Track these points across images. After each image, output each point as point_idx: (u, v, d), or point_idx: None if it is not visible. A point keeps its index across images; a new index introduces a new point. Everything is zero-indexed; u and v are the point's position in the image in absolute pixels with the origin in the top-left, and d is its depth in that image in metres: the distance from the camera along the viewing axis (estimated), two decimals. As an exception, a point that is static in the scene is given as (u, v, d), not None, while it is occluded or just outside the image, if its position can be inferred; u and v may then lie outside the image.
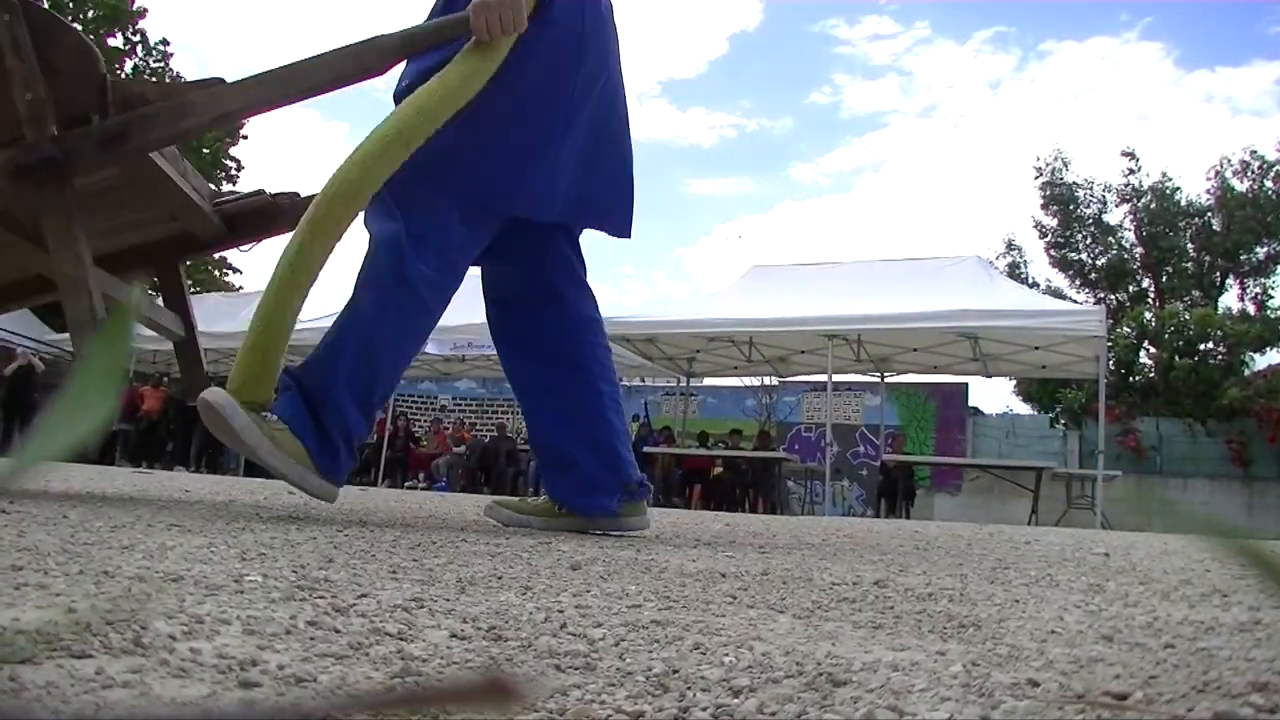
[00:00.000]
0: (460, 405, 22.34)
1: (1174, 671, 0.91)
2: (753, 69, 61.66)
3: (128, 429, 17.62)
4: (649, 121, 62.06)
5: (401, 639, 0.96)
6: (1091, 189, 26.74)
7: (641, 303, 70.21)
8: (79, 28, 17.01)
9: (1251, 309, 25.13)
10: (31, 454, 0.37)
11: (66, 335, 13.90)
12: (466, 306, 17.40)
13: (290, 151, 56.74)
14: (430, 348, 15.86)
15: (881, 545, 3.24)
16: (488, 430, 19.25)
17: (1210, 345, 21.75)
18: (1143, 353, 23.58)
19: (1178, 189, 26.16)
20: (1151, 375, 22.99)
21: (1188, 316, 22.28)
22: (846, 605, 1.42)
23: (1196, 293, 25.97)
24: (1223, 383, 20.07)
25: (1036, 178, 27.11)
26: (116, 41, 27.35)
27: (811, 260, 16.59)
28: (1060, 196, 26.63)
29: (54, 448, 0.37)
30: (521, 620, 1.11)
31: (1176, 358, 21.33)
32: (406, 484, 16.64)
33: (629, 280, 65.85)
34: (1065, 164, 26.82)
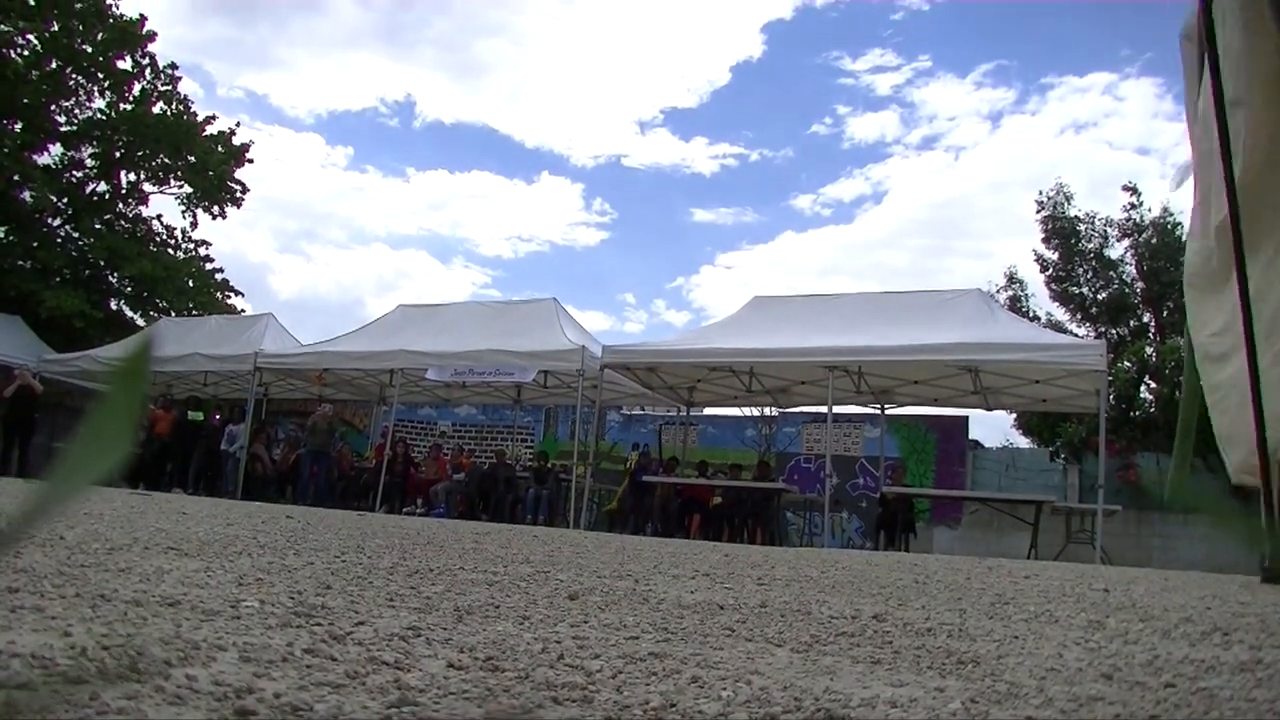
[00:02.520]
0: (460, 431, 22.31)
1: (1175, 711, 0.91)
2: (755, 99, 61.95)
3: (138, 451, 17.59)
4: (651, 150, 62.39)
5: (398, 668, 0.96)
6: (1093, 223, 26.79)
7: (642, 331, 70.10)
8: (89, 49, 16.82)
9: None
10: (54, 490, 0.37)
11: (67, 355, 13.92)
12: (467, 334, 17.25)
13: (294, 175, 57.00)
14: (431, 374, 15.88)
15: (880, 578, 3.23)
16: (487, 457, 19.21)
17: (1211, 381, 21.71)
18: (1143, 387, 23.55)
19: (1179, 224, 26.22)
20: (1152, 410, 22.95)
21: (1188, 352, 22.24)
22: (845, 639, 1.42)
23: (1197, 328, 25.95)
24: None
25: (1038, 211, 27.17)
26: (125, 64, 27.54)
27: (812, 291, 16.60)
28: (1061, 230, 26.69)
29: (75, 484, 0.37)
30: (519, 651, 1.10)
31: (1177, 393, 21.27)
32: (405, 509, 16.59)
33: (630, 309, 65.97)
34: (1067, 198, 26.90)
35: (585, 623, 1.41)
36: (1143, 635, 1.64)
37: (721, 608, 1.78)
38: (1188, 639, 1.61)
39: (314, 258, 63.03)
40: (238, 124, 30.62)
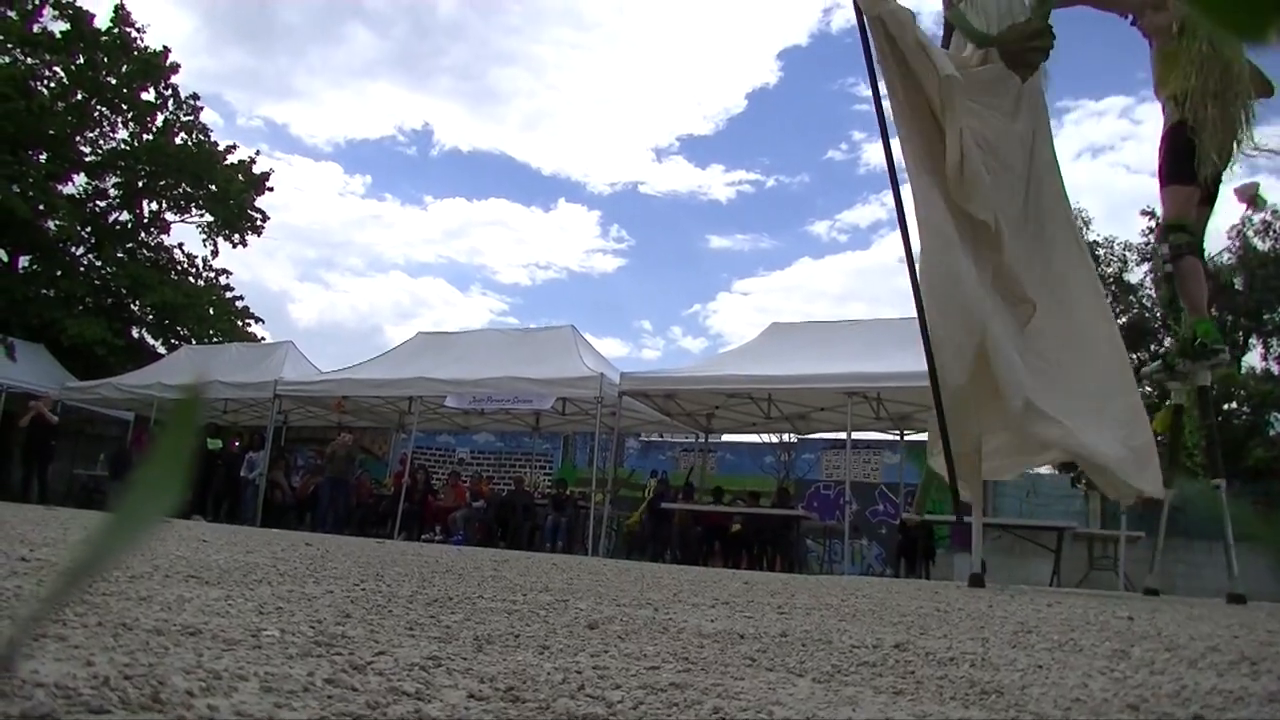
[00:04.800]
0: (478, 459, 22.33)
1: (1202, 744, 0.90)
2: (771, 126, 62.17)
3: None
4: (668, 177, 62.64)
5: (419, 699, 0.96)
6: (1112, 248, 26.73)
7: (659, 358, 70.05)
8: (113, 81, 17.09)
9: (1275, 369, 24.94)
10: (107, 541, 0.38)
11: (89, 383, 14.05)
12: (485, 361, 17.30)
13: (313, 203, 57.49)
14: (449, 401, 15.92)
15: (901, 606, 3.20)
16: (505, 484, 19.21)
17: (1234, 405, 21.56)
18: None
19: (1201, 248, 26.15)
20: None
21: (1211, 376, 22.09)
22: (867, 669, 1.40)
23: (1219, 352, 25.79)
24: (1247, 443, 19.85)
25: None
26: (149, 96, 27.91)
27: (830, 317, 16.58)
28: (1080, 255, 26.68)
29: (126, 533, 0.38)
30: (539, 681, 1.10)
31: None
32: (423, 537, 16.59)
33: (647, 335, 66.05)
34: (1086, 223, 26.85)
35: (605, 652, 1.40)
36: (1169, 665, 1.63)
37: (742, 637, 1.77)
38: (1215, 669, 1.59)
39: (333, 285, 63.45)
40: (257, 153, 31.02)
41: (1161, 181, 6.31)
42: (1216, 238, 27.43)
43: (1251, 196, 6.38)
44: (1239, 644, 2.10)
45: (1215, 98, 5.78)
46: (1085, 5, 6.38)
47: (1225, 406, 21.45)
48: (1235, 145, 5.95)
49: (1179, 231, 6.13)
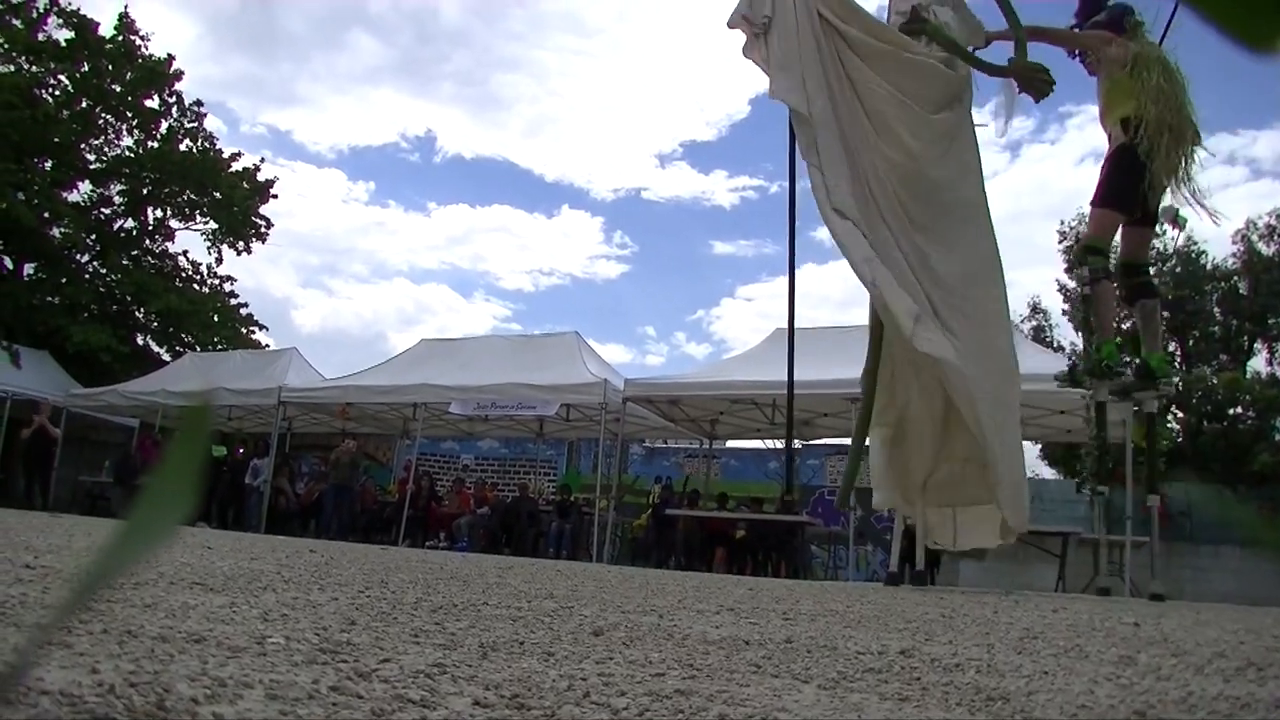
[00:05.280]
0: (482, 465, 22.33)
1: (1210, 750, 0.89)
2: (774, 131, 62.03)
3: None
4: (671, 183, 62.69)
5: (424, 706, 0.96)
6: (1116, 253, 26.75)
7: (663, 364, 69.95)
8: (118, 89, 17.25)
9: (1280, 373, 24.89)
10: (114, 557, 0.38)
11: (94, 390, 14.10)
12: (489, 367, 17.28)
13: (316, 210, 57.59)
14: (453, 408, 15.92)
15: (906, 613, 3.20)
16: (509, 490, 19.20)
17: (1239, 410, 21.52)
18: (1170, 417, 23.35)
19: (1203, 253, 26.09)
20: (1179, 440, 22.73)
21: (1215, 381, 22.07)
22: (872, 675, 1.40)
23: (1224, 357, 25.75)
24: (1253, 448, 19.80)
25: (1060, 241, 27.10)
26: (153, 103, 27.99)
27: (834, 323, 16.55)
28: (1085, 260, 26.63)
29: (134, 549, 0.38)
30: (544, 688, 1.10)
31: (1205, 422, 21.10)
32: (428, 543, 16.58)
33: (650, 341, 66.11)
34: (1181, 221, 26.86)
35: (610, 659, 1.40)
36: (1175, 671, 1.62)
37: (747, 643, 1.77)
38: (1222, 675, 1.58)
39: (336, 292, 63.56)
40: (261, 160, 31.10)
41: (1095, 200, 6.64)
42: (1221, 243, 27.36)
43: (1173, 218, 6.57)
44: (1245, 650, 2.09)
45: (1170, 129, 6.10)
46: (1045, 42, 6.69)
47: (1230, 411, 21.40)
48: (1177, 179, 6.26)
49: (1097, 255, 6.56)
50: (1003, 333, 6.22)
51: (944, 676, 1.42)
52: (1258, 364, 26.14)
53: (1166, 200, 6.43)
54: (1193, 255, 25.90)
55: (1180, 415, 23.03)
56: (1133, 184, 6.23)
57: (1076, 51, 6.76)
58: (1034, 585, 12.76)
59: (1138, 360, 6.86)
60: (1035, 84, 6.17)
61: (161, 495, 0.38)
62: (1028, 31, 6.44)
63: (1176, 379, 6.68)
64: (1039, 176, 48.80)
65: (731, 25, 6.14)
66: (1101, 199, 6.57)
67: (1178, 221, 6.51)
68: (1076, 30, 6.75)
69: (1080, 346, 26.51)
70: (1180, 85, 6.29)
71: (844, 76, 5.91)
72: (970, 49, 6.21)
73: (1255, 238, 25.84)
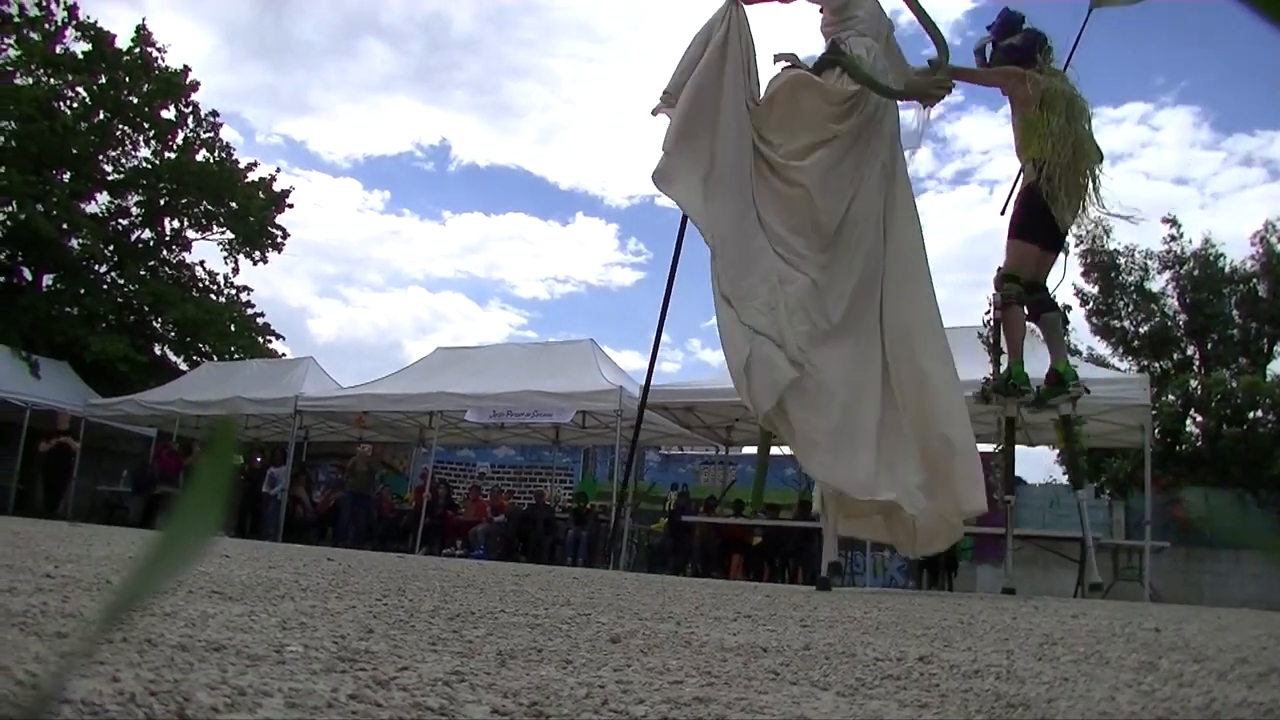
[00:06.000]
0: (499, 473, 22.34)
1: (1234, 757, 0.88)
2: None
3: (173, 493, 17.79)
4: (687, 190, 62.47)
5: (443, 714, 0.96)
6: (1133, 256, 26.49)
7: (679, 371, 69.81)
8: (135, 100, 17.41)
9: (1301, 376, 24.64)
10: (148, 574, 0.38)
11: (111, 400, 14.18)
12: (505, 375, 17.28)
13: (331, 219, 57.81)
14: (469, 416, 15.94)
15: (925, 619, 3.18)
16: (526, 498, 19.21)
17: (1259, 413, 21.35)
18: (1189, 421, 23.15)
19: (1221, 255, 25.87)
20: (1199, 444, 22.55)
21: (1234, 384, 21.90)
22: (891, 682, 1.40)
23: (1243, 360, 25.53)
24: (1274, 451, 19.64)
25: (1076, 245, 26.91)
26: (169, 114, 28.18)
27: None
28: (1101, 264, 26.42)
29: (167, 566, 0.38)
30: (563, 696, 1.10)
31: (1224, 426, 20.94)
32: (444, 551, 16.60)
33: (666, 348, 66.03)
34: (1106, 231, 26.65)
35: (628, 666, 1.40)
36: (1198, 677, 1.61)
37: (765, 650, 1.77)
38: (1244, 681, 1.57)
39: (352, 301, 63.67)
40: (277, 170, 31.10)
41: (1010, 233, 7.19)
42: (1240, 245, 27.15)
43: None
44: (1268, 655, 2.08)
45: (1068, 167, 6.68)
46: (962, 81, 7.26)
47: (1250, 415, 21.23)
48: (1083, 207, 6.87)
49: (1012, 282, 7.09)
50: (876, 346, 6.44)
51: (963, 683, 1.42)
52: (1278, 367, 25.93)
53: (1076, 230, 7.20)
54: (1210, 258, 25.74)
55: (1199, 419, 22.87)
56: (1042, 219, 6.82)
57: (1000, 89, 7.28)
58: (1053, 592, 12.69)
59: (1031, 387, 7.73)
60: (929, 95, 6.75)
61: (191, 511, 0.38)
62: (963, 75, 7.08)
63: (1082, 382, 7.68)
64: (1054, 180, 48.44)
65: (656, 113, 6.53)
66: (1016, 232, 7.11)
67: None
68: (989, 67, 7.25)
69: (1096, 352, 26.36)
70: (1081, 111, 6.88)
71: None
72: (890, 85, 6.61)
73: (1274, 239, 25.62)
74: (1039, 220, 6.84)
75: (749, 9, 6.53)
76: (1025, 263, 7.07)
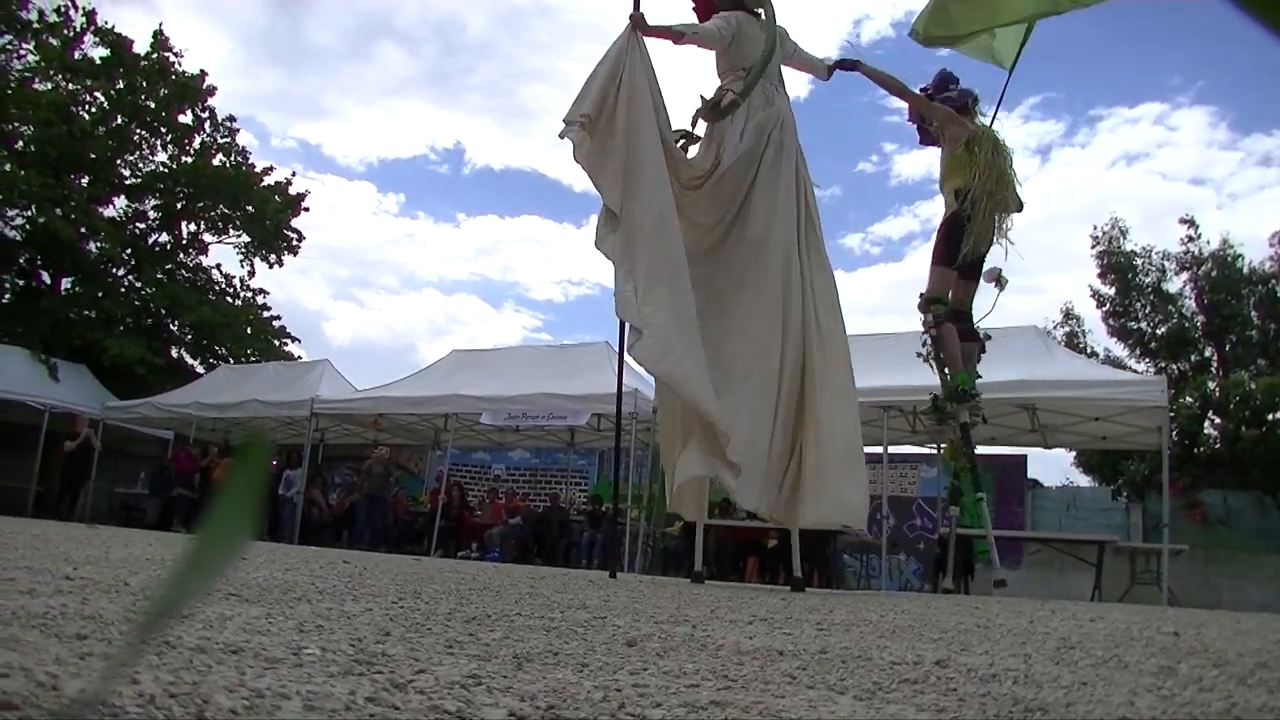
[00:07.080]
0: (514, 475, 22.36)
1: (1255, 763, 0.88)
2: (801, 138, 61.99)
3: (190, 495, 17.88)
4: (701, 193, 62.43)
5: (461, 717, 0.96)
6: (1150, 257, 26.36)
7: (694, 372, 70.12)
8: (152, 105, 17.53)
9: (1322, 379, 24.47)
10: (178, 589, 0.38)
11: (129, 402, 14.25)
12: (519, 378, 17.30)
13: (346, 222, 58.02)
14: (485, 418, 15.97)
15: (941, 622, 3.17)
16: (541, 501, 19.22)
17: (1278, 415, 21.21)
18: (1207, 423, 23.03)
19: (1239, 255, 25.73)
20: (1217, 446, 22.42)
21: (1253, 386, 21.76)
22: (908, 686, 1.39)
23: (1262, 361, 25.37)
24: (1294, 455, 19.50)
25: (1093, 247, 26.82)
26: (186, 118, 28.37)
27: (864, 331, 16.47)
28: (1118, 265, 26.31)
29: (201, 576, 0.39)
30: (579, 699, 1.10)
31: (1243, 428, 20.81)
32: (459, 554, 16.63)
33: (681, 350, 65.80)
34: (1123, 232, 26.52)
35: (645, 670, 1.40)
36: (1218, 682, 1.60)
37: (781, 654, 1.76)
38: (1265, 686, 1.56)
39: (367, 304, 63.88)
40: (293, 174, 31.32)
41: (933, 261, 7.90)
42: (1258, 246, 26.98)
43: (996, 278, 7.84)
44: (1289, 660, 2.06)
45: (989, 196, 7.36)
46: (906, 101, 8.00)
47: (1270, 416, 21.10)
48: (994, 237, 7.54)
49: (938, 304, 7.83)
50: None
51: (981, 687, 1.41)
52: (1297, 369, 25.75)
53: (989, 264, 7.76)
54: (1229, 258, 25.59)
55: (1217, 421, 22.73)
56: (959, 248, 7.49)
57: (918, 117, 8.00)
58: (1070, 595, 12.63)
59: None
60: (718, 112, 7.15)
61: (224, 522, 0.38)
62: (897, 87, 7.79)
63: (977, 390, 8.46)
64: (1069, 181, 48.31)
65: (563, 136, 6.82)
66: (940, 258, 7.79)
67: (1000, 281, 7.83)
68: (932, 100, 7.89)
69: (1113, 353, 26.25)
70: (1005, 158, 7.58)
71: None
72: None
73: (1294, 241, 25.47)
74: (957, 249, 7.52)
75: (648, 41, 6.84)
76: (946, 286, 7.80)
